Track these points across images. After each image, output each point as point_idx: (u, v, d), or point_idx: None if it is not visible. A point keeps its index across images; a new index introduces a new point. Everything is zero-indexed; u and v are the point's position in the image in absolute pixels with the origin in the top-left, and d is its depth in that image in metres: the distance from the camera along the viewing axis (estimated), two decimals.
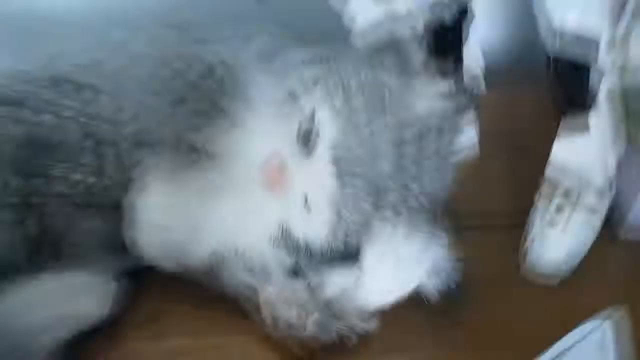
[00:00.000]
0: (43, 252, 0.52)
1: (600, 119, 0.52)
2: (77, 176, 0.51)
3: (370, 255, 0.46)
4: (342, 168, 0.45)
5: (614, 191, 0.56)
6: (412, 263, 0.46)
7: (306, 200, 0.46)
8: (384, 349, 0.49)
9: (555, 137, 0.56)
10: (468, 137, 0.52)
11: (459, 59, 0.54)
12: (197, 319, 0.55)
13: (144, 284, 0.58)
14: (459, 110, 0.48)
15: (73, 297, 0.51)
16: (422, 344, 0.50)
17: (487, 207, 0.59)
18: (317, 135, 0.46)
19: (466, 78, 0.54)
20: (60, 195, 0.51)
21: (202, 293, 0.54)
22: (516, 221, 0.58)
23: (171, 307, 0.56)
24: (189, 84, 0.49)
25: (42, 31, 0.67)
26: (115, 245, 0.53)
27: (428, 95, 0.48)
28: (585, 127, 0.53)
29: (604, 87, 0.51)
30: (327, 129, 0.46)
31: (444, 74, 0.50)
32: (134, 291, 0.57)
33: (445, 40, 0.54)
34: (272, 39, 0.54)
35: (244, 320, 0.52)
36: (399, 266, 0.46)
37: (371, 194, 0.46)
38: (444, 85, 0.49)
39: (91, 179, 0.51)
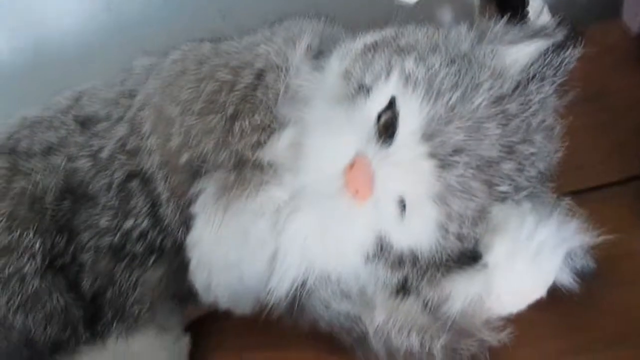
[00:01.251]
0: (104, 315, 0.45)
1: None
2: (129, 223, 0.45)
3: (498, 250, 0.38)
4: (436, 145, 0.37)
5: None
6: (549, 250, 0.37)
7: (402, 200, 0.39)
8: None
9: None
10: None
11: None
12: None
13: (216, 333, 0.51)
14: (559, 48, 0.40)
15: None
16: (559, 347, 0.42)
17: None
18: (399, 123, 0.39)
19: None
20: (113, 247, 0.45)
21: (287, 333, 0.47)
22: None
23: (252, 356, 0.49)
24: (241, 95, 0.42)
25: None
26: (184, 294, 0.46)
27: (517, 39, 0.41)
28: None
29: None
30: (410, 108, 0.38)
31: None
32: (206, 342, 0.50)
33: None
34: (317, 40, 0.48)
35: (344, 356, 0.45)
36: (535, 258, 0.37)
37: (480, 169, 0.37)
38: (533, 25, 0.42)
39: (145, 223, 0.45)
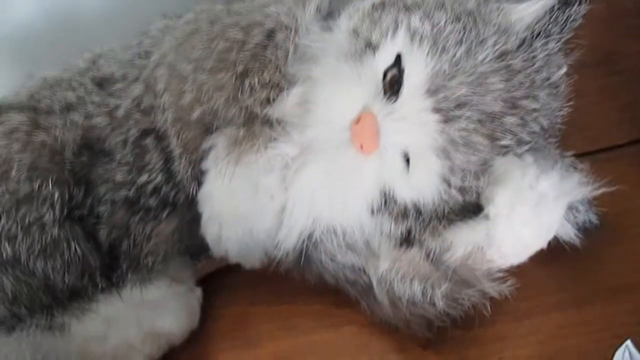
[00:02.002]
0: (119, 266, 0.47)
1: None
2: (143, 177, 0.47)
3: (499, 201, 0.39)
4: (440, 100, 0.38)
5: None
6: (550, 201, 0.38)
7: (406, 154, 0.40)
8: (521, 312, 0.43)
9: None
10: None
11: None
12: (293, 316, 0.50)
13: (227, 287, 0.53)
14: (565, 5, 0.40)
15: (159, 311, 0.46)
16: (562, 299, 0.43)
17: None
18: (404, 80, 0.39)
19: None
20: (128, 200, 0.46)
21: (294, 288, 0.48)
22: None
23: (261, 309, 0.51)
24: (251, 54, 0.44)
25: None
26: (196, 248, 0.48)
27: None
28: None
29: None
30: (415, 64, 0.39)
31: None
32: (217, 296, 0.52)
33: None
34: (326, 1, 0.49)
35: (350, 309, 0.47)
36: (536, 208, 0.38)
37: (483, 123, 0.38)
38: None
39: (159, 178, 0.46)
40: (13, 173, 0.44)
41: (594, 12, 0.64)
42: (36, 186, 0.44)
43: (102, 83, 0.51)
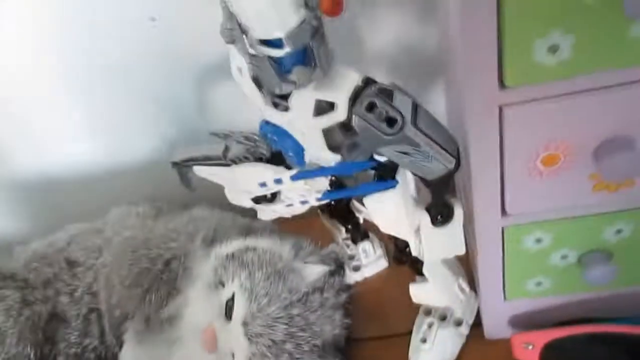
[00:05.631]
0: None
1: None
2: (87, 340, 0.75)
3: None
4: (249, 331, 0.64)
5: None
6: None
7: (233, 356, 0.67)
8: None
9: None
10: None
11: None
12: None
13: None
14: (334, 273, 0.68)
15: None
16: None
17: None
18: (234, 310, 0.67)
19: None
20: (77, 355, 0.75)
21: None
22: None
23: None
24: (153, 277, 0.71)
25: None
26: None
27: (312, 261, 0.68)
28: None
29: None
30: (240, 303, 0.65)
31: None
32: None
33: None
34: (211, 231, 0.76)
35: None
36: None
37: (272, 347, 0.63)
38: (324, 254, 0.70)
39: (96, 342, 0.75)
40: (7, 340, 0.72)
41: None
42: (21, 348, 0.72)
43: (71, 264, 0.79)
